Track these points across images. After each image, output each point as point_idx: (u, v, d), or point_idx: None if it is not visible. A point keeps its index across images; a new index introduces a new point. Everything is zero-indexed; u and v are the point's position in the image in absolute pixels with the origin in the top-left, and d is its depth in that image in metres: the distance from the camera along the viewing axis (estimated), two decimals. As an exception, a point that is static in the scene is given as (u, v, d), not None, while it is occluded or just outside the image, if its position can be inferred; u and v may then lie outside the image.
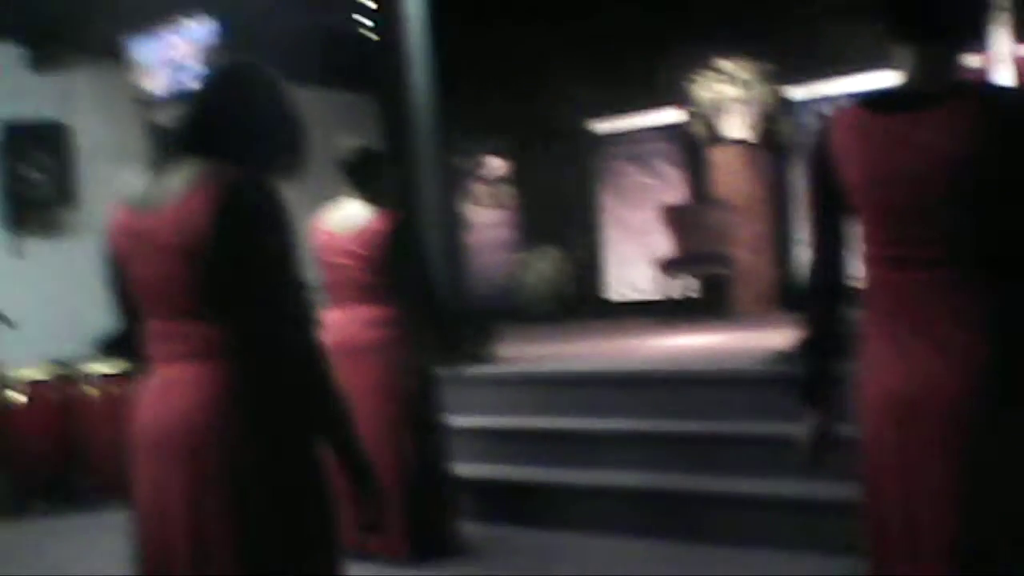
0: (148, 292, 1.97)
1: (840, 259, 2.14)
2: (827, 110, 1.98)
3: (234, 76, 2.07)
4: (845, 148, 2.02)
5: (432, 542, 4.20)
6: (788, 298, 7.96)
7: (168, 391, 1.94)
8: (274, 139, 2.04)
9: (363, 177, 4.23)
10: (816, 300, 2.18)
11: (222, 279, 1.88)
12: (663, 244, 8.32)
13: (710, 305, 8.22)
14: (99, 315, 5.83)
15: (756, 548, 4.00)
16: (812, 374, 2.19)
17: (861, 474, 2.06)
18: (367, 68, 8.06)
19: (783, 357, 4.59)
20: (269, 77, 2.06)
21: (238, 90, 2.03)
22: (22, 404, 5.80)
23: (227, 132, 1.99)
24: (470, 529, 4.42)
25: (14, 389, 5.82)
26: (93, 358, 6.22)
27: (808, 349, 2.19)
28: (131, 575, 2.03)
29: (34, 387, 5.85)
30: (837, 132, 2.05)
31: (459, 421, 4.81)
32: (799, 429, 2.21)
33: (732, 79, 8.14)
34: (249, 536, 1.88)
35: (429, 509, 4.20)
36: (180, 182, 1.92)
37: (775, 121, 8.15)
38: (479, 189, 10.14)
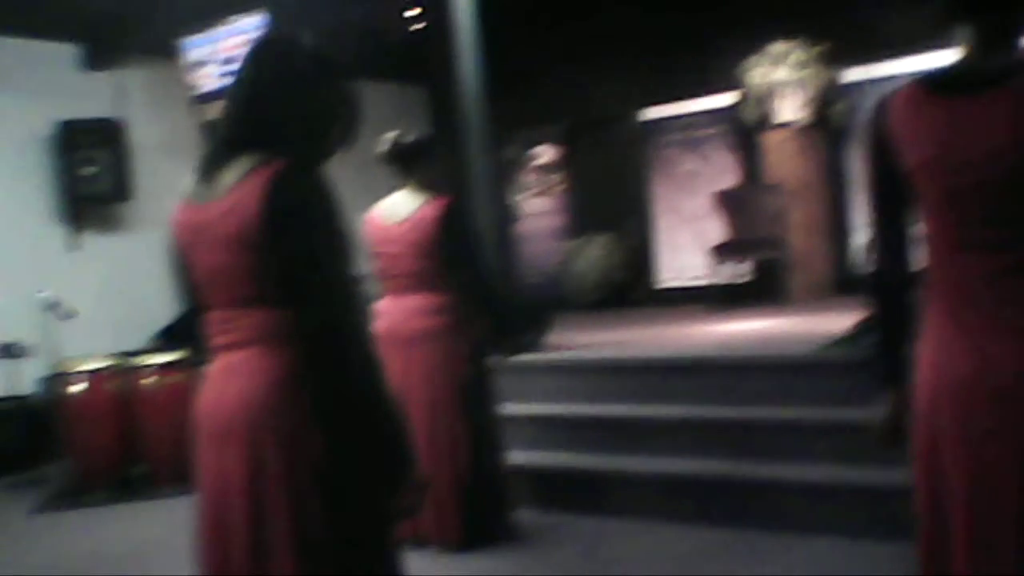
0: (210, 282, 1.99)
1: (902, 242, 2.10)
2: (882, 91, 1.95)
3: (271, 52, 2.06)
4: (903, 130, 1.99)
5: (486, 530, 4.21)
6: (843, 282, 7.85)
7: (231, 377, 1.96)
8: (320, 111, 2.01)
9: (412, 164, 4.24)
10: (881, 284, 2.15)
11: (277, 267, 1.89)
12: (715, 230, 8.25)
13: (764, 290, 8.13)
14: (156, 307, 6.00)
15: (808, 535, 3.97)
16: (886, 357, 2.16)
17: (916, 455, 2.02)
18: (417, 59, 8.11)
19: (839, 342, 4.53)
20: (307, 48, 2.03)
21: (275, 65, 2.02)
22: (82, 395, 5.90)
23: (269, 114, 1.98)
24: (523, 516, 4.43)
25: (74, 380, 5.92)
26: (151, 349, 6.33)
27: (880, 333, 2.17)
28: (192, 561, 2.06)
29: (93, 378, 5.95)
30: (894, 114, 2.01)
31: (512, 409, 4.82)
32: (874, 413, 2.17)
33: (785, 62, 8.03)
34: (308, 523, 1.88)
35: (483, 497, 4.20)
36: (233, 175, 1.94)
37: (829, 103, 8.03)
38: (530, 178, 10.13)
